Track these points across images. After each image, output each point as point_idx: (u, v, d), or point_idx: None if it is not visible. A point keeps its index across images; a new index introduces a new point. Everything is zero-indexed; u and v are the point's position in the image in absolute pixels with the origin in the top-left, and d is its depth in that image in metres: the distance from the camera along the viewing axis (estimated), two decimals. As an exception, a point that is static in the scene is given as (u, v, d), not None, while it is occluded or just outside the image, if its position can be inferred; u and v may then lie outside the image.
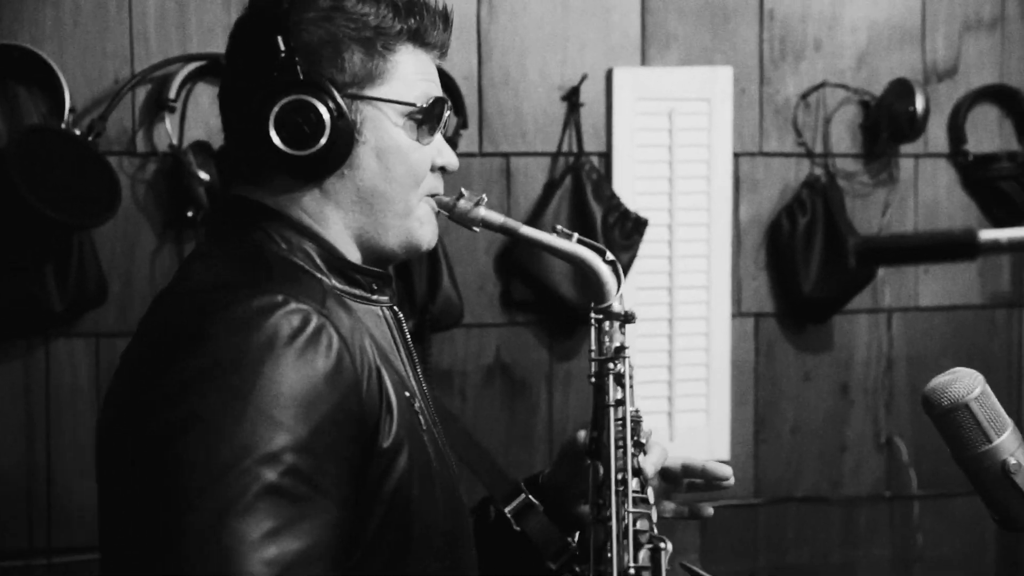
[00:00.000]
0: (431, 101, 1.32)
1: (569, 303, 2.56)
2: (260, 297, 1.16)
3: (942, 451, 1.37)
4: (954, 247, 1.03)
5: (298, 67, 1.26)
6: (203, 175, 2.34)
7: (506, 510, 1.47)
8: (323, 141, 1.26)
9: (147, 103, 2.40)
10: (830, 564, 2.81)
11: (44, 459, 2.38)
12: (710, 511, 1.53)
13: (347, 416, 1.17)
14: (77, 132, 2.30)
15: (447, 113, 1.36)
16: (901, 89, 2.69)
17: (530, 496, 1.48)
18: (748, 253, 2.74)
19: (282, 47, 1.26)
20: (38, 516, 2.37)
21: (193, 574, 1.07)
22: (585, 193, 2.58)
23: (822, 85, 2.74)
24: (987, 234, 1.04)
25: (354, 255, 1.33)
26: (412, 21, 1.32)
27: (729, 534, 2.73)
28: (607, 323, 1.44)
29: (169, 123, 2.37)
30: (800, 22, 2.75)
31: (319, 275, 1.28)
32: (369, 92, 1.29)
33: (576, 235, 1.44)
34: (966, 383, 1.45)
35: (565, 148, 2.60)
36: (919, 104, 2.66)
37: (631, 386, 1.43)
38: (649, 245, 2.63)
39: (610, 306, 1.44)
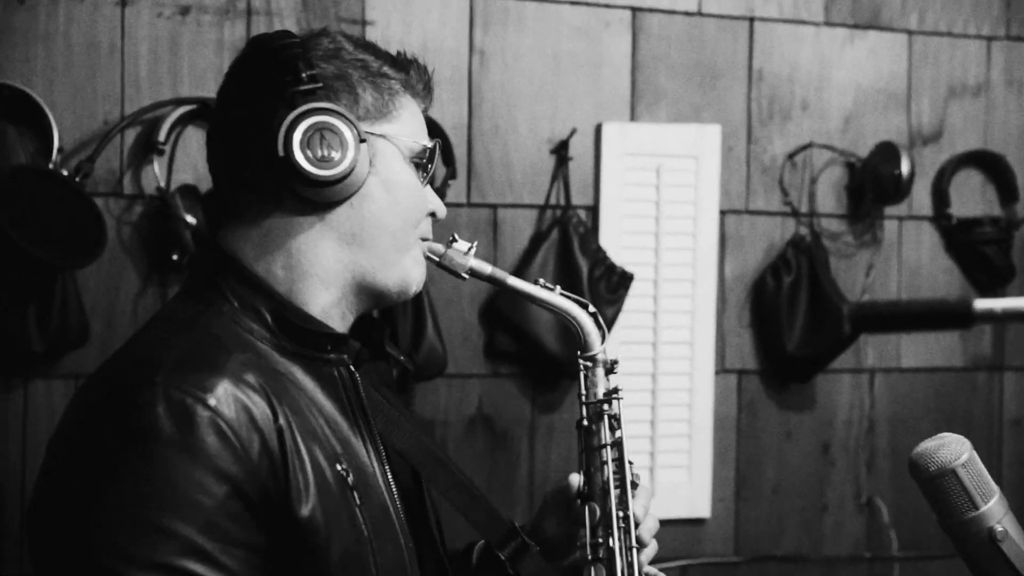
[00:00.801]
0: (433, 144, 1.36)
1: (553, 356, 2.55)
2: (144, 391, 1.16)
3: (922, 513, 1.37)
4: (950, 316, 1.04)
5: (319, 92, 1.27)
6: (190, 219, 2.33)
7: (502, 554, 1.45)
8: (346, 164, 1.26)
9: (136, 145, 2.39)
10: (809, 626, 2.80)
11: (17, 503, 2.34)
12: None
13: (240, 507, 1.16)
14: (65, 172, 2.29)
15: (433, 164, 1.38)
16: (887, 152, 2.72)
17: (525, 539, 1.47)
18: (732, 310, 2.75)
19: (304, 72, 1.27)
20: (11, 561, 2.33)
21: None
22: (572, 246, 2.59)
23: (808, 146, 2.77)
24: (982, 304, 1.05)
25: (332, 297, 1.32)
26: (404, 73, 1.36)
27: (709, 593, 2.72)
28: (593, 370, 1.48)
29: (157, 166, 2.36)
30: (788, 83, 2.78)
31: (262, 335, 1.27)
32: (381, 127, 1.31)
33: (558, 288, 1.47)
34: (953, 449, 1.45)
35: (553, 201, 2.61)
36: (904, 167, 2.69)
37: (621, 428, 1.46)
38: (634, 300, 2.63)
39: (595, 354, 1.47)
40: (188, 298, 1.32)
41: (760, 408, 2.77)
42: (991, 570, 1.43)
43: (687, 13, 2.71)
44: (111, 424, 1.16)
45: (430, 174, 1.38)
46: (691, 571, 2.70)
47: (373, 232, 1.31)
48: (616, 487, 1.41)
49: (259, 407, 1.19)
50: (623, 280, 2.60)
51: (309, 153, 1.26)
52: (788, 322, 2.69)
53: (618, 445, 1.44)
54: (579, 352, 1.47)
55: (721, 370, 2.74)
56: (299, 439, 1.21)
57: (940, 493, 1.45)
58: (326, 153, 1.26)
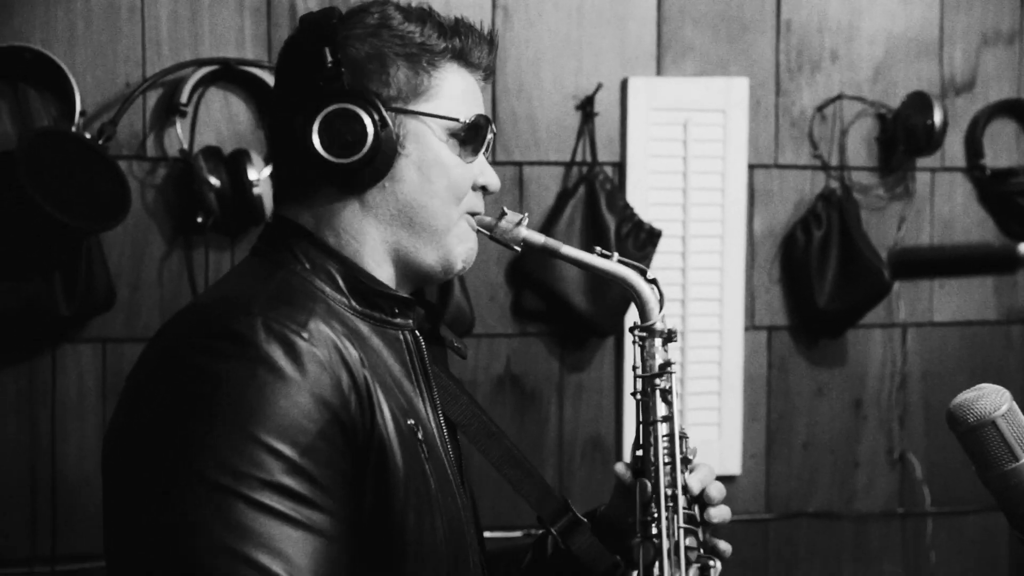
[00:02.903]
0: (473, 119, 1.34)
1: (580, 314, 2.53)
2: (242, 319, 1.19)
3: (955, 468, 1.35)
4: (994, 261, 1.00)
5: (343, 78, 1.29)
6: (213, 180, 2.31)
7: (553, 529, 1.45)
8: (365, 150, 1.28)
9: (158, 107, 2.38)
10: (842, 581, 2.79)
11: (49, 465, 2.36)
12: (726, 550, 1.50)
13: (337, 433, 1.19)
14: (87, 136, 2.28)
15: (491, 135, 1.37)
16: (919, 102, 2.67)
17: (576, 514, 1.47)
18: (762, 266, 2.72)
19: (329, 58, 1.29)
20: (42, 524, 2.35)
21: None
22: (599, 203, 2.56)
23: (839, 97, 2.72)
24: (1030, 248, 1.02)
25: (386, 274, 1.35)
26: (457, 41, 1.34)
27: (740, 550, 2.68)
28: (650, 340, 1.44)
29: (180, 128, 2.35)
30: (817, 33, 2.73)
31: (334, 296, 1.30)
32: (413, 107, 1.31)
33: (616, 255, 1.44)
34: (992, 400, 1.43)
35: (579, 158, 2.58)
36: (937, 118, 2.63)
37: (676, 402, 1.43)
38: (662, 256, 2.60)
39: (653, 324, 1.44)
40: (259, 259, 1.35)
41: (791, 364, 2.74)
42: (1030, 521, 1.40)
43: (715, -37, 2.66)
44: (213, 351, 1.18)
45: (485, 147, 1.37)
46: (721, 529, 2.67)
47: (410, 213, 1.33)
48: (666, 463, 1.38)
49: (348, 349, 1.23)
50: (651, 237, 2.57)
51: (327, 141, 1.28)
52: (819, 277, 2.65)
53: (669, 420, 1.41)
54: (635, 322, 1.44)
55: (751, 327, 2.71)
56: (378, 387, 1.25)
57: (979, 445, 1.43)
58: (346, 140, 1.28)
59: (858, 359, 2.77)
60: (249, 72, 2.40)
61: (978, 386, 1.46)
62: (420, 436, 1.28)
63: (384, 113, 1.29)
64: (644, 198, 2.61)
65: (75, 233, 2.22)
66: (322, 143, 1.28)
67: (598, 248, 1.44)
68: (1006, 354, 2.85)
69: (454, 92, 1.34)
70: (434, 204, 1.33)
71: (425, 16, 1.34)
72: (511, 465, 1.43)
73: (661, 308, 1.44)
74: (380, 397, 1.24)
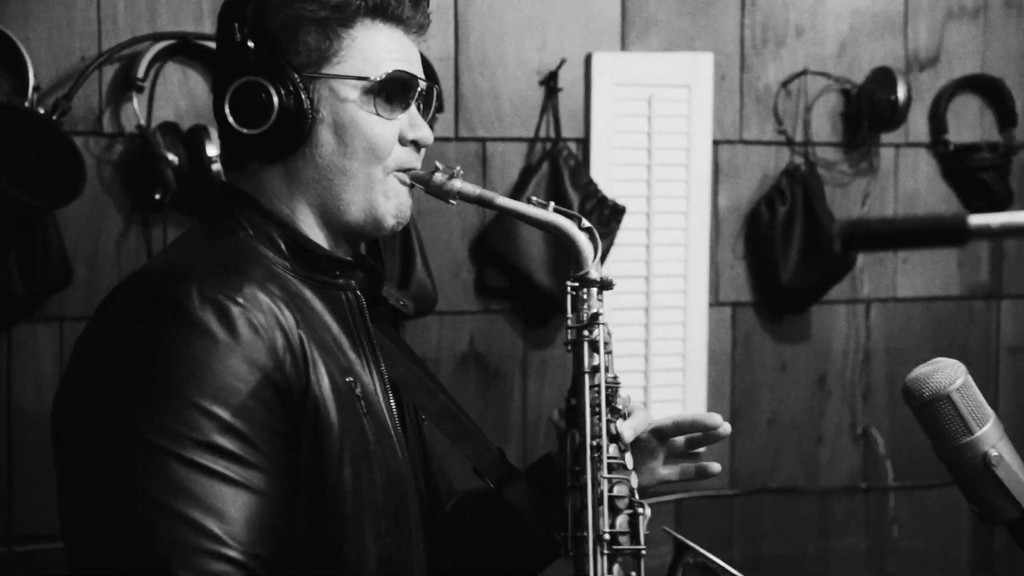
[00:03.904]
0: (388, 74, 1.34)
1: (544, 290, 2.52)
2: (179, 286, 1.23)
3: (918, 443, 1.35)
4: (943, 232, 1.00)
5: (250, 51, 1.32)
6: (171, 156, 2.28)
7: (489, 480, 1.48)
8: (272, 120, 1.32)
9: (114, 82, 2.34)
10: (805, 555, 2.79)
11: (4, 445, 2.33)
12: (716, 467, 1.57)
13: (270, 394, 1.23)
14: (41, 111, 2.23)
15: (419, 87, 1.38)
16: (883, 78, 2.67)
17: (512, 466, 1.50)
18: (726, 242, 2.71)
19: (237, 34, 1.33)
20: (-1, 504, 2.32)
21: (122, 554, 1.16)
22: (562, 179, 2.54)
23: (803, 73, 2.71)
24: (977, 219, 1.01)
25: (321, 236, 1.38)
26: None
27: (704, 525, 2.71)
28: (584, 291, 1.44)
29: (137, 103, 2.31)
30: (782, 8, 2.71)
31: (276, 260, 1.33)
32: (324, 71, 1.34)
33: (552, 204, 1.44)
34: (948, 374, 1.43)
35: (543, 133, 2.56)
36: (900, 93, 2.63)
37: (608, 352, 1.43)
38: (626, 233, 2.59)
39: (587, 273, 1.43)
40: (206, 225, 1.39)
41: (755, 340, 2.74)
42: (985, 495, 1.41)
43: (678, -62, 2.64)
44: (150, 317, 1.22)
45: (413, 100, 1.38)
46: (685, 505, 2.69)
47: (331, 176, 1.36)
48: (594, 414, 1.39)
49: (283, 312, 1.27)
50: (615, 213, 2.56)
51: (238, 114, 1.33)
52: (783, 253, 2.65)
53: (598, 371, 1.41)
54: (570, 272, 1.44)
55: (715, 303, 2.71)
56: (315, 347, 1.28)
57: (934, 419, 1.43)
58: (255, 112, 1.32)
59: (822, 335, 2.77)
60: (207, 46, 2.36)
61: (934, 360, 1.46)
62: (358, 392, 1.31)
63: (293, 81, 1.32)
64: (608, 174, 2.59)
65: (30, 210, 2.18)
66: (234, 116, 1.33)
67: (534, 198, 1.44)
68: (969, 329, 2.87)
69: (369, 50, 1.35)
70: (353, 165, 1.35)
71: None
72: (448, 419, 1.46)
73: (596, 257, 1.43)
74: (316, 357, 1.27)
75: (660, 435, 1.54)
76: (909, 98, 2.64)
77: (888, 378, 2.80)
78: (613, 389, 1.42)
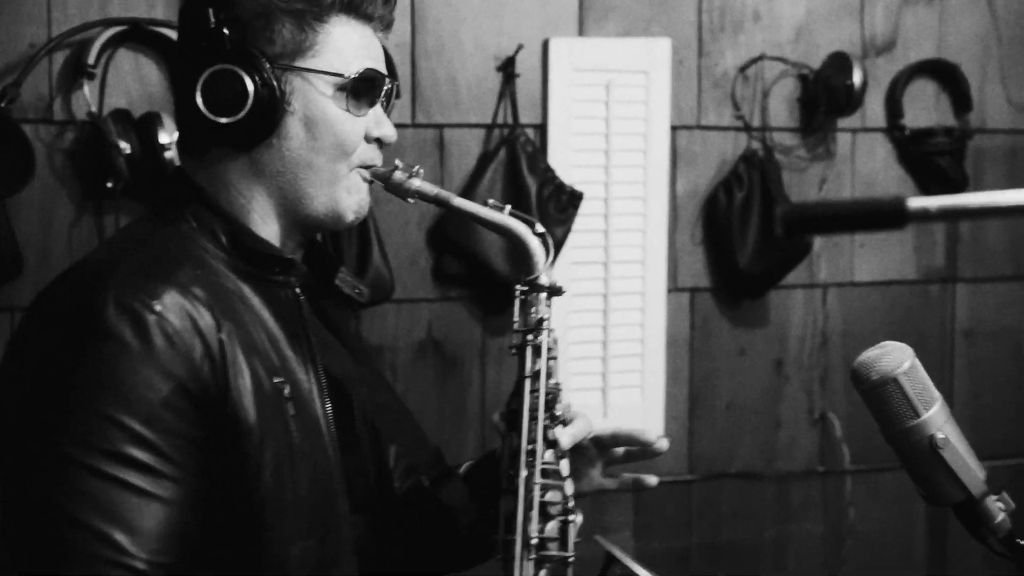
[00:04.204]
0: (361, 72, 1.35)
1: (502, 278, 2.51)
2: (96, 294, 1.23)
3: (874, 426, 1.37)
4: (882, 215, 1.00)
5: (226, 38, 1.31)
6: (123, 144, 2.25)
7: (425, 479, 1.50)
8: (247, 110, 1.31)
9: (65, 69, 2.31)
10: (764, 539, 2.81)
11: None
12: (653, 481, 1.60)
13: (184, 403, 1.23)
14: (-11, 98, 2.21)
15: (386, 86, 1.40)
16: (839, 63, 2.68)
17: (448, 467, 1.51)
18: (685, 227, 2.72)
19: (212, 19, 1.31)
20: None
21: (31, 560, 1.18)
22: (520, 166, 2.54)
23: (760, 58, 2.71)
24: (916, 202, 1.01)
25: (273, 229, 1.38)
26: None
27: (663, 510, 2.72)
28: (533, 295, 1.45)
29: (88, 90, 2.28)
30: (740, -8, 2.71)
31: (216, 254, 1.33)
32: (298, 63, 1.34)
33: (508, 207, 1.45)
34: (895, 357, 1.45)
35: (500, 120, 2.55)
36: (857, 78, 2.64)
37: (552, 359, 1.44)
38: (584, 219, 2.59)
39: (537, 278, 1.44)
40: (150, 217, 1.39)
41: (713, 326, 2.75)
42: (931, 477, 1.42)
43: (635, -77, 2.63)
44: (67, 326, 1.23)
45: (380, 98, 1.40)
46: (644, 491, 2.68)
47: (296, 169, 1.36)
48: (532, 419, 1.40)
49: (203, 317, 1.26)
50: (573, 199, 2.56)
51: (211, 102, 1.32)
52: (740, 238, 2.65)
53: (539, 377, 1.42)
54: (521, 277, 1.45)
55: (674, 288, 2.71)
56: (239, 350, 1.28)
57: (882, 402, 1.45)
58: (228, 100, 1.31)
59: (780, 320, 2.78)
60: (159, 32, 2.33)
61: (881, 344, 1.47)
62: (287, 393, 1.31)
63: (268, 71, 1.31)
64: (566, 160, 2.59)
65: (-23, 199, 2.15)
66: (206, 103, 1.32)
67: (491, 200, 1.45)
68: (925, 313, 2.89)
69: (342, 46, 1.35)
70: (320, 160, 1.36)
71: None
72: (385, 415, 1.47)
73: (548, 262, 1.45)
74: (240, 360, 1.27)
75: (599, 444, 1.56)
76: (865, 83, 2.65)
77: (845, 362, 2.82)
78: (554, 395, 1.43)
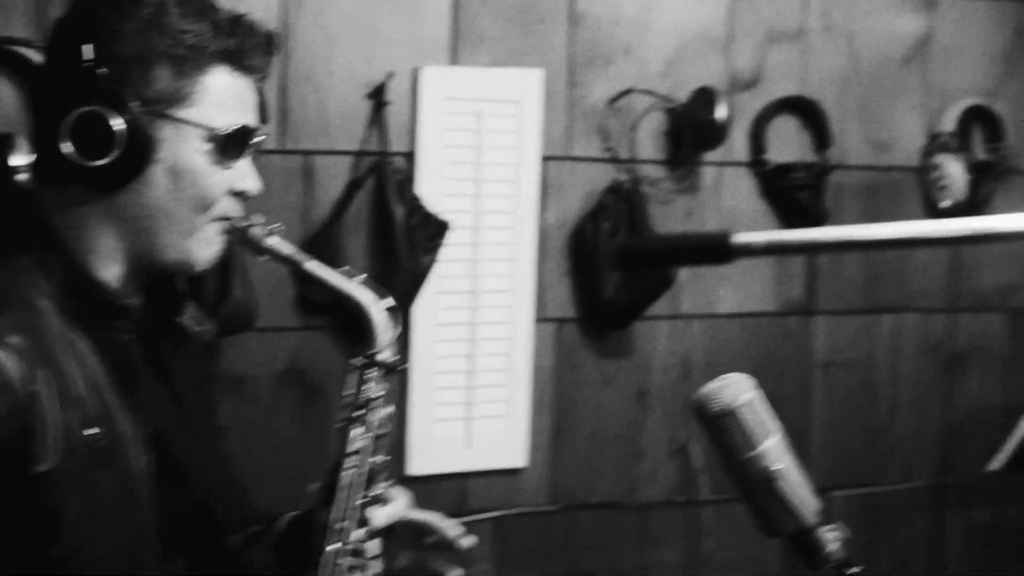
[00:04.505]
0: (236, 128, 1.33)
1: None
2: None
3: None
4: (708, 250, 1.02)
5: (99, 78, 1.26)
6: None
7: (234, 538, 1.47)
8: (113, 154, 1.28)
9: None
10: (624, 570, 2.82)
11: None
12: (459, 573, 1.55)
13: None
14: None
15: (256, 139, 1.37)
16: (704, 97, 2.73)
17: (263, 529, 1.49)
18: (553, 258, 2.73)
19: (89, 56, 1.27)
20: None
21: None
22: (388, 194, 2.52)
23: (629, 91, 2.75)
24: (741, 237, 1.03)
25: (115, 272, 1.35)
26: (231, 43, 1.32)
27: (524, 541, 2.71)
28: (370, 370, 1.45)
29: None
30: (611, 26, 2.75)
31: (51, 295, 1.29)
32: (172, 112, 1.31)
33: (363, 276, 1.46)
34: (735, 389, 1.47)
35: (370, 147, 2.54)
36: (721, 113, 2.69)
37: (381, 435, 1.44)
38: (453, 248, 2.58)
39: (377, 353, 1.44)
40: None
41: (579, 356, 2.76)
42: (767, 508, 1.45)
43: (510, -45, 2.65)
44: None
45: (248, 152, 1.37)
46: (506, 522, 2.68)
47: (153, 217, 1.33)
48: (348, 496, 1.40)
49: (13, 370, 1.22)
50: (439, 229, 2.55)
51: (77, 141, 1.27)
52: (606, 269, 2.68)
53: (362, 454, 1.42)
54: (363, 349, 1.45)
55: (541, 318, 2.72)
56: (52, 402, 1.24)
57: (721, 434, 1.47)
58: (96, 142, 1.27)
59: (644, 350, 2.81)
60: (14, 51, 2.26)
61: (723, 376, 1.49)
62: (103, 445, 1.27)
63: (139, 118, 1.28)
64: (436, 189, 2.58)
65: None
66: (73, 142, 1.27)
67: (348, 268, 1.45)
68: (784, 345, 2.94)
69: (219, 98, 1.32)
70: (180, 211, 1.33)
71: (203, 12, 1.32)
72: (209, 469, 1.43)
73: (391, 339, 1.44)
74: (51, 411, 1.23)
75: (412, 527, 1.54)
76: (730, 118, 2.71)
77: (709, 392, 2.84)
78: (375, 473, 1.42)
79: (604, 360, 2.79)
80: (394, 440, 2.57)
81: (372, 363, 1.44)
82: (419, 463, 2.58)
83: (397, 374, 1.45)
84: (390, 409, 1.44)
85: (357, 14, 2.53)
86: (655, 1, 2.78)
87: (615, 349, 2.80)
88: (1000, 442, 2.59)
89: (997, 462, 2.52)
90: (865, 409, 3.02)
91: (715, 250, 1.02)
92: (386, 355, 1.43)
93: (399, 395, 2.60)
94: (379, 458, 1.42)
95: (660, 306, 2.77)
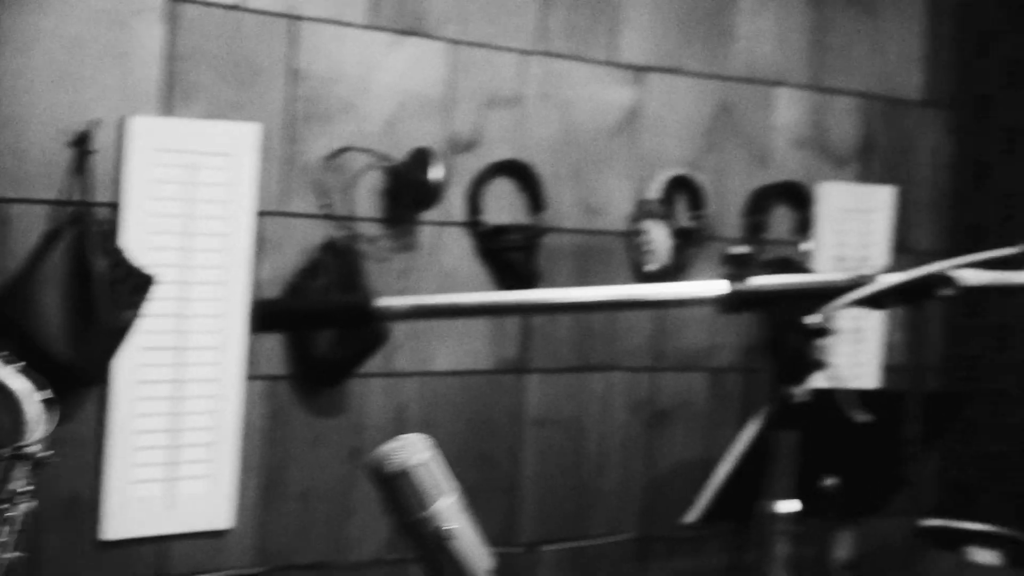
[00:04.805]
0: None
1: (61, 362, 2.36)
2: None
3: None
4: (348, 314, 1.02)
5: None
6: None
7: None
8: None
9: None
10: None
11: None
12: None
13: None
14: None
15: None
16: (421, 157, 2.77)
17: None
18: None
19: None
20: None
21: None
22: (89, 246, 2.41)
23: (348, 149, 2.76)
24: (384, 301, 1.05)
25: None
26: None
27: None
28: (17, 463, 1.38)
29: None
30: (331, 84, 2.75)
31: None
32: None
33: (21, 364, 1.40)
34: (411, 450, 1.50)
35: (72, 197, 2.43)
36: (437, 173, 2.74)
37: (19, 532, 1.37)
38: (159, 303, 2.50)
39: (24, 447, 1.38)
40: None
41: (290, 415, 2.71)
42: (439, 567, 1.47)
43: (226, 7, 2.62)
44: None
45: None
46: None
47: None
48: None
49: None
50: (144, 283, 2.46)
51: None
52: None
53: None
54: (13, 440, 1.37)
55: (252, 376, 2.66)
56: None
57: (395, 493, 1.49)
58: None
59: (358, 408, 2.80)
60: None
61: (400, 436, 1.51)
62: None
63: None
64: (143, 243, 2.50)
65: None
66: None
67: (6, 353, 1.38)
68: (498, 402, 3.00)
69: None
70: None
71: None
72: None
73: (45, 431, 1.39)
74: None
75: None
76: (446, 178, 2.76)
77: (423, 450, 2.85)
78: (10, 572, 1.35)
79: (317, 418, 2.76)
80: (89, 504, 2.47)
81: (19, 455, 1.36)
82: (116, 527, 2.46)
83: (43, 468, 1.37)
84: (33, 504, 1.36)
85: (63, 59, 2.43)
86: (376, 61, 2.81)
87: (328, 407, 2.77)
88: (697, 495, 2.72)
89: (692, 514, 2.64)
90: (574, 465, 3.11)
91: (356, 313, 1.03)
92: (35, 448, 1.36)
93: (95, 455, 2.49)
94: (15, 555, 1.34)
95: (375, 363, 2.77)
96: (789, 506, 1.42)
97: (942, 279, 1.53)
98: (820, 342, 1.38)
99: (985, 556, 3.53)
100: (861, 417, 1.49)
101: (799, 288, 1.59)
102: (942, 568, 3.64)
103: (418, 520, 1.46)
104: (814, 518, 1.62)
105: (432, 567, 1.45)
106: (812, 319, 1.37)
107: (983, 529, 3.28)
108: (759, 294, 1.63)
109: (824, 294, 1.40)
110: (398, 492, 1.48)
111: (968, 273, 1.57)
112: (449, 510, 1.46)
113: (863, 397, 1.51)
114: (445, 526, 1.45)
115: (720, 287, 1.63)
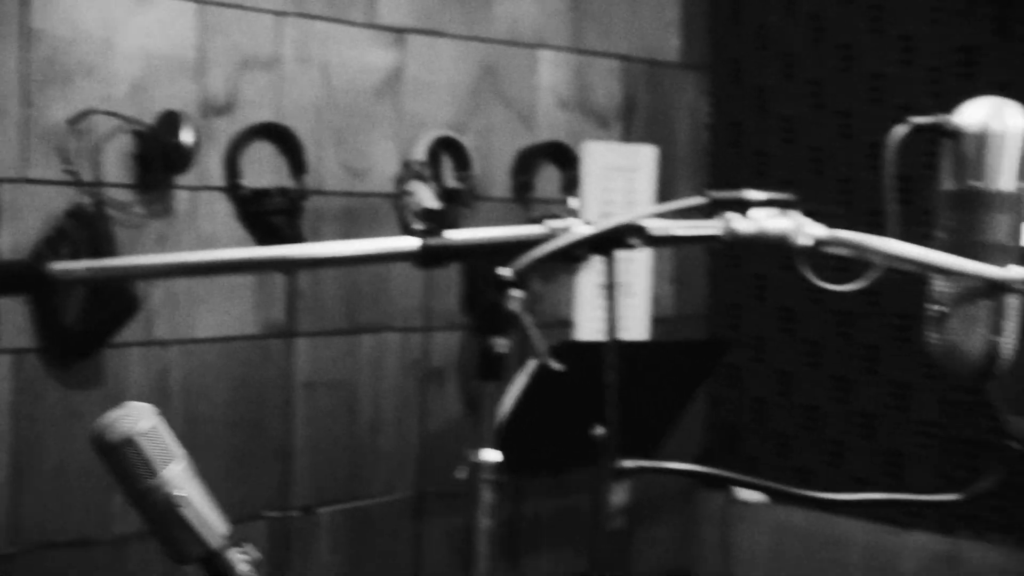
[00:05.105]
0: None
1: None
2: None
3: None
4: (15, 278, 0.98)
5: None
6: None
7: None
8: None
9: None
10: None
11: None
12: None
13: None
14: None
15: None
16: (171, 121, 2.69)
17: None
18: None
19: None
20: None
21: None
22: None
23: (91, 112, 2.65)
24: (60, 266, 1.00)
25: None
26: None
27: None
28: None
29: None
30: (69, 44, 2.63)
31: None
32: None
33: None
34: (134, 417, 1.47)
35: None
36: (188, 137, 2.67)
37: None
38: None
39: None
40: None
41: (40, 388, 2.61)
42: (172, 535, 1.45)
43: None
44: None
45: None
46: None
47: None
48: None
49: None
50: None
51: None
52: (65, 296, 2.55)
53: None
54: None
55: (-4, 350, 2.55)
56: None
57: (121, 462, 1.45)
58: None
59: (115, 379, 2.71)
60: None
61: (123, 404, 1.48)
62: None
63: None
64: None
65: None
66: None
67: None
68: (266, 367, 2.96)
69: None
70: None
71: None
72: None
73: None
74: None
75: None
76: (198, 142, 2.69)
77: (187, 420, 2.79)
78: None
79: (71, 391, 2.65)
80: None
81: None
82: None
83: None
84: None
85: None
86: (119, 21, 2.70)
87: (83, 379, 2.67)
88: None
89: (462, 471, 2.67)
90: (348, 427, 3.11)
91: (25, 279, 0.98)
92: None
93: None
94: None
95: (132, 332, 2.69)
96: (492, 456, 1.46)
97: (633, 229, 1.59)
98: (513, 294, 1.42)
99: (751, 495, 3.73)
100: (556, 366, 1.54)
101: (491, 242, 1.62)
102: (712, 507, 3.83)
103: (146, 488, 1.43)
104: (518, 471, 1.67)
105: (165, 536, 1.42)
106: (503, 271, 1.40)
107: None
108: (451, 249, 1.66)
109: (519, 248, 1.43)
110: (124, 461, 1.45)
111: (656, 223, 1.64)
112: (178, 476, 1.44)
113: (564, 348, 1.56)
114: (175, 492, 1.43)
115: (412, 242, 1.65)
